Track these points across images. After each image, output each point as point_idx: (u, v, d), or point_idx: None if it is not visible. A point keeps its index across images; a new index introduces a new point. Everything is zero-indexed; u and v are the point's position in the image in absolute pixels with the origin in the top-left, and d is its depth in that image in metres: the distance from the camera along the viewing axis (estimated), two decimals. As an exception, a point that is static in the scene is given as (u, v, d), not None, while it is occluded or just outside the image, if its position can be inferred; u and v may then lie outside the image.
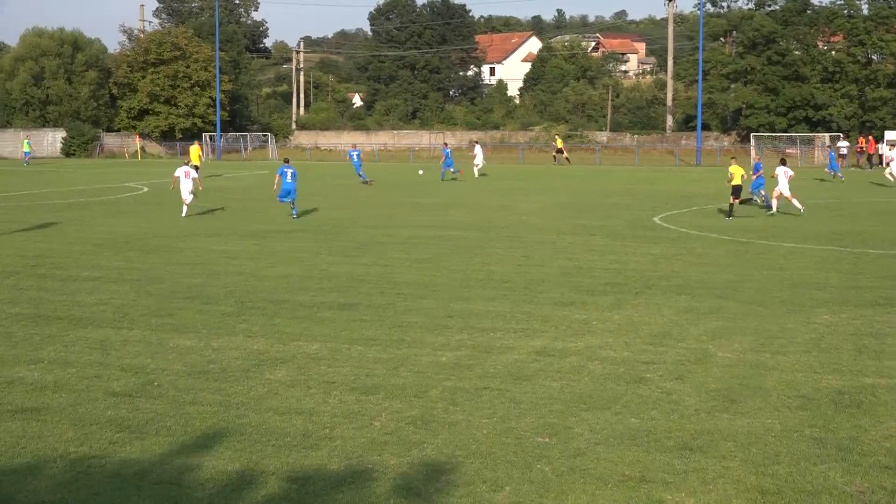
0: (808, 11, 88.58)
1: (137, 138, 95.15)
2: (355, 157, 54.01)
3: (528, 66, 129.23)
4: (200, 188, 34.87)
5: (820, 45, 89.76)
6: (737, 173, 32.98)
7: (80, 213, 35.35)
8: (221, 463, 9.39)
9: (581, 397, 11.49)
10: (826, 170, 57.56)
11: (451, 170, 55.93)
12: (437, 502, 8.48)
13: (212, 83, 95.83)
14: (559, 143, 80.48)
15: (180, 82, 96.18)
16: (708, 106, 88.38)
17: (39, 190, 43.45)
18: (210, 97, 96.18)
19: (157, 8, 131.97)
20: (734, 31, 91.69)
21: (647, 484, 8.81)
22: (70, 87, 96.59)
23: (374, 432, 10.27)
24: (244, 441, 10.00)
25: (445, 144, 63.39)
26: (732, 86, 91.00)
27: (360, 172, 52.77)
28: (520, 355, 13.49)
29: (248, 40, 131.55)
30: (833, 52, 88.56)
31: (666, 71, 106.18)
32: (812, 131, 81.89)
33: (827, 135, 78.58)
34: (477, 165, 59.65)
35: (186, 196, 33.51)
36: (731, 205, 32.89)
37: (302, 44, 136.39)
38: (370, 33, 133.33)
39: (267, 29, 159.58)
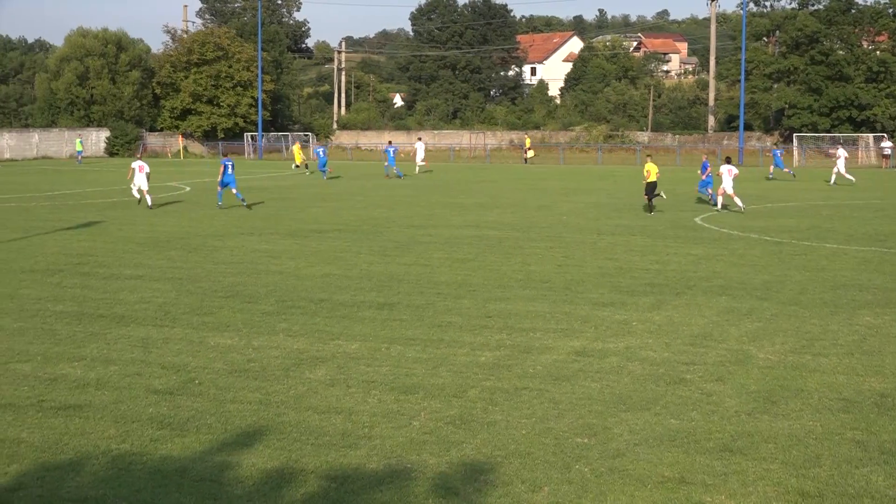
0: (853, 11, 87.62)
1: (180, 138, 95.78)
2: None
3: (569, 66, 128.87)
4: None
5: (864, 44, 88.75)
6: (652, 171, 34.88)
7: (123, 212, 35.63)
8: (261, 461, 9.44)
9: (620, 398, 11.45)
10: (771, 167, 59.17)
11: (395, 169, 57.98)
12: (476, 502, 8.48)
13: (254, 83, 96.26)
14: (527, 143, 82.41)
15: (223, 82, 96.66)
16: (750, 106, 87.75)
17: (83, 189, 43.82)
18: (252, 97, 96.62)
19: (201, 8, 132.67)
20: (777, 31, 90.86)
21: (687, 485, 8.77)
22: (114, 87, 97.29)
23: (412, 432, 10.29)
24: (283, 439, 10.05)
25: (389, 143, 64.32)
26: (775, 86, 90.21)
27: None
28: (559, 355, 13.46)
29: (290, 40, 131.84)
30: (878, 52, 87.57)
31: (708, 71, 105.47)
32: (856, 131, 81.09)
33: (871, 135, 77.86)
34: (419, 163, 63.59)
35: (144, 186, 37.01)
36: (650, 201, 34.73)
37: (343, 44, 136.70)
38: (411, 33, 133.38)
39: (309, 29, 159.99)
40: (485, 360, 13.24)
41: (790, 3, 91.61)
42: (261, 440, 10.03)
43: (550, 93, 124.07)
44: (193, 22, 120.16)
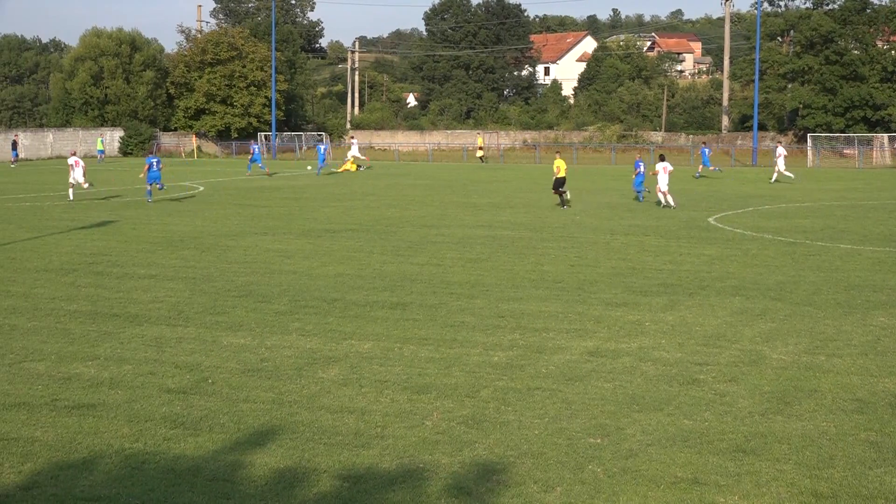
0: (868, 10, 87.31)
1: (194, 138, 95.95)
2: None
3: (582, 66, 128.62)
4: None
5: (879, 44, 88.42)
6: (562, 166, 37.00)
7: (136, 211, 35.74)
8: (274, 460, 9.46)
9: (633, 398, 11.44)
10: (700, 167, 59.03)
11: (325, 165, 60.52)
12: (489, 502, 8.48)
13: (267, 83, 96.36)
14: (479, 142, 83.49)
15: (236, 82, 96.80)
16: (764, 106, 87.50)
17: (99, 188, 43.91)
18: (266, 97, 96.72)
19: (214, 8, 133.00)
20: (791, 31, 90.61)
21: (700, 486, 8.75)
22: (128, 87, 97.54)
23: (425, 431, 10.29)
24: (296, 439, 10.07)
25: (320, 140, 64.86)
26: (789, 86, 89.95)
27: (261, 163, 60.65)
28: (572, 356, 13.45)
29: (304, 40, 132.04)
30: (893, 52, 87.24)
31: (722, 71, 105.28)
32: (870, 131, 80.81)
33: (886, 135, 77.59)
34: (356, 158, 67.73)
35: (79, 179, 40.38)
36: (562, 195, 36.64)
37: (357, 44, 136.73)
38: (425, 33, 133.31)
39: (322, 29, 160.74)
40: (497, 360, 13.24)
41: (805, 3, 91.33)
42: (273, 439, 10.04)
43: (564, 93, 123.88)
44: (207, 22, 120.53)
